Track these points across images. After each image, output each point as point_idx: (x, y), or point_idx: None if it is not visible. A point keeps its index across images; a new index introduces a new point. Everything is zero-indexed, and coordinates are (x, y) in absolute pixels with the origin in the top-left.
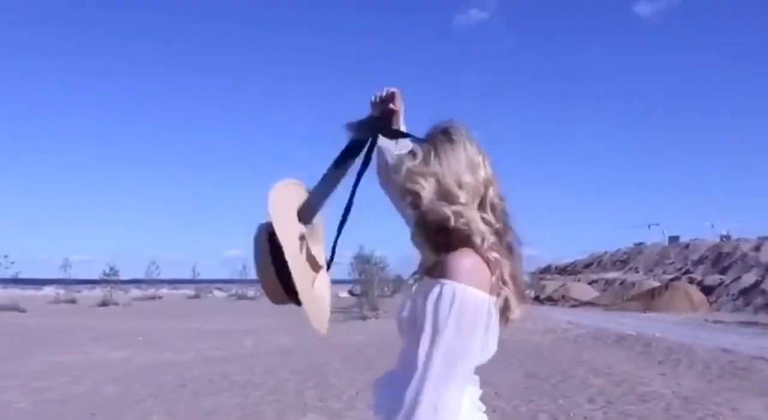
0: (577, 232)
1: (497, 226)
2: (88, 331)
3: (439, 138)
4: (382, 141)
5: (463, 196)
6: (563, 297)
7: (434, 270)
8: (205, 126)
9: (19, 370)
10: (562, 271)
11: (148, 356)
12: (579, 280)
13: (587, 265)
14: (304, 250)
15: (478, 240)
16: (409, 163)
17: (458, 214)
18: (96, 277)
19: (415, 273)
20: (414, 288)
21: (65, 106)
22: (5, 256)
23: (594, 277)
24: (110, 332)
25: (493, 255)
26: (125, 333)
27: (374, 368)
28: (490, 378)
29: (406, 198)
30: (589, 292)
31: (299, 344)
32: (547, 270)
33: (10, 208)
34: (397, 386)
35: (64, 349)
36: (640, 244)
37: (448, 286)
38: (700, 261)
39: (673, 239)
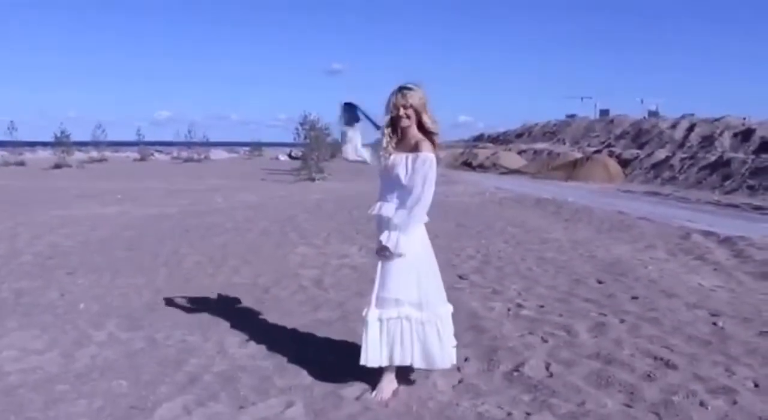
0: (513, 101)
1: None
2: (66, 191)
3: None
4: None
5: None
6: (494, 165)
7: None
8: None
9: (35, 222)
10: (495, 140)
11: (141, 210)
12: (510, 150)
13: (519, 135)
14: None
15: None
16: None
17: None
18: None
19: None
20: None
21: None
22: None
23: (524, 146)
24: (90, 192)
25: None
26: (103, 192)
27: (335, 219)
28: (429, 226)
29: None
30: (519, 161)
31: (264, 201)
32: (479, 138)
33: None
34: (403, 197)
35: (60, 206)
36: (572, 115)
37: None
38: (621, 135)
39: (604, 113)
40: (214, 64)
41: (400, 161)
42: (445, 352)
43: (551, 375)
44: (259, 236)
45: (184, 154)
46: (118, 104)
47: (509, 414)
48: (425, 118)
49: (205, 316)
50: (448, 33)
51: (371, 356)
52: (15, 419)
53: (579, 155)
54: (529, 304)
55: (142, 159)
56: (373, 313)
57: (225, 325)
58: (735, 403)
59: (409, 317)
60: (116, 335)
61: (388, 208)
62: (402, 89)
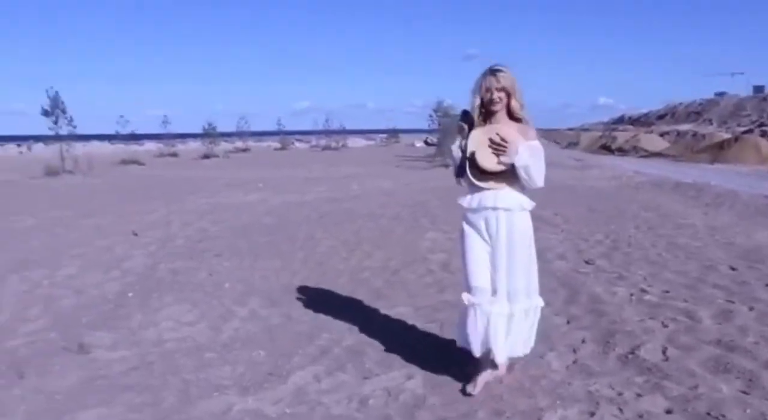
0: (656, 81)
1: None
2: (213, 180)
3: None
4: None
5: None
6: (633, 148)
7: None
8: None
9: (186, 210)
10: (635, 121)
11: (280, 198)
12: (651, 132)
13: (661, 117)
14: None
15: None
16: None
17: None
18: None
19: None
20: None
21: None
22: (121, 116)
23: (666, 128)
24: (234, 181)
25: None
26: (246, 181)
27: None
28: (562, 210)
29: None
30: (660, 144)
31: (397, 187)
32: (620, 120)
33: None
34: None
35: (208, 195)
36: (722, 93)
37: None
38: None
39: (758, 89)
40: (352, 54)
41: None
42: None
43: (667, 359)
44: (391, 222)
45: (323, 142)
46: (260, 96)
47: (620, 394)
48: (513, 103)
49: (337, 296)
50: (586, 14)
51: (499, 349)
52: (172, 378)
53: (727, 136)
54: (654, 290)
55: (283, 148)
56: (502, 308)
57: (356, 304)
58: None
59: (527, 310)
60: (257, 311)
61: (513, 197)
62: (494, 71)
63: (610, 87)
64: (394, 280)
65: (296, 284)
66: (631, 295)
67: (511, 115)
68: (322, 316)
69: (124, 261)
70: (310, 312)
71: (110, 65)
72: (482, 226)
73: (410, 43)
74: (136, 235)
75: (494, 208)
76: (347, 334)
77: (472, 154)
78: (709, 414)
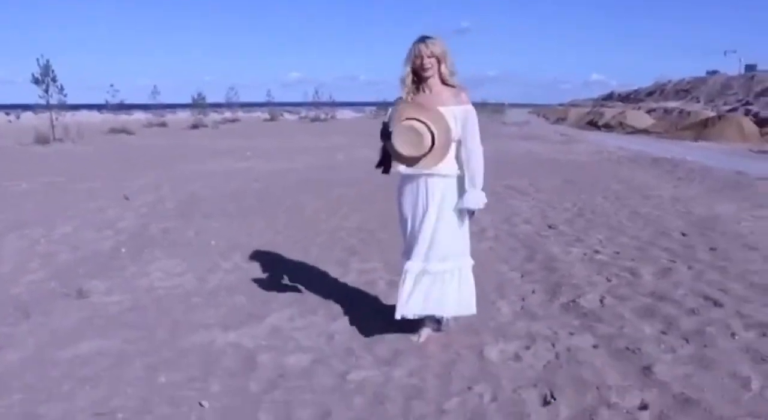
0: (649, 58)
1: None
2: (203, 148)
3: None
4: None
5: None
6: (620, 124)
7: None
8: None
9: (176, 176)
10: (625, 98)
11: (269, 165)
12: (639, 109)
13: (650, 94)
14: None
15: None
16: None
17: None
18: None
19: None
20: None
21: None
22: (111, 85)
23: (654, 105)
24: (223, 149)
25: None
26: (235, 150)
27: None
28: (537, 181)
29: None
30: (646, 121)
31: None
32: (609, 97)
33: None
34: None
35: (197, 162)
36: (714, 72)
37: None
38: (762, 93)
39: (750, 68)
40: (343, 25)
41: (446, 114)
42: (470, 300)
43: (603, 306)
44: (373, 189)
45: (311, 114)
46: (250, 68)
47: (555, 333)
48: (443, 69)
49: (314, 252)
50: None
51: (410, 307)
52: (163, 318)
53: (712, 114)
54: (607, 251)
55: (272, 119)
56: (416, 266)
57: (332, 257)
58: (764, 335)
59: (451, 270)
60: (240, 264)
61: (449, 166)
62: (424, 38)
63: (603, 63)
64: (368, 239)
65: (278, 241)
66: (584, 254)
67: (444, 81)
68: (299, 268)
69: (117, 221)
70: (288, 264)
71: (99, 34)
72: (416, 190)
73: (402, 16)
74: (127, 198)
75: (429, 175)
76: (321, 283)
77: (392, 145)
78: (628, 348)
